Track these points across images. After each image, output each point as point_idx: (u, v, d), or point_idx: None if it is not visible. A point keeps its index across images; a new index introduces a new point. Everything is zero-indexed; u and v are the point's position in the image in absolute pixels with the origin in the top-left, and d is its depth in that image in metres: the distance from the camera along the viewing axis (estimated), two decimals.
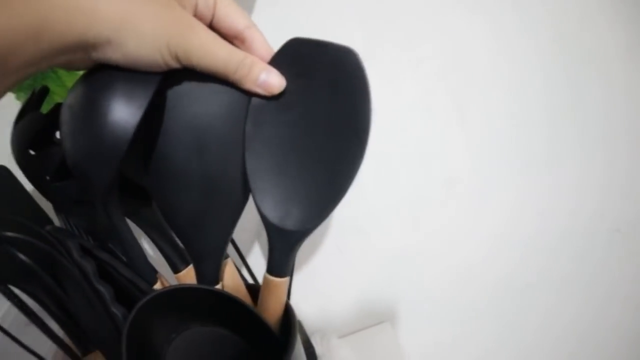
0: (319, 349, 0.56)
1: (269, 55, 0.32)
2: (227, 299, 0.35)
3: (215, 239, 0.36)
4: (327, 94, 0.33)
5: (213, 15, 0.31)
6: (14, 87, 0.25)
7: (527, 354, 0.75)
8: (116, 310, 0.33)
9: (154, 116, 0.33)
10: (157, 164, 0.33)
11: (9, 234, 0.28)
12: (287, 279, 0.38)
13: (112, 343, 0.34)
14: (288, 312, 0.39)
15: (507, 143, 0.61)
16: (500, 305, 0.71)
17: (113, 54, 0.27)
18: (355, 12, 0.53)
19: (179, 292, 0.34)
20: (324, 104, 0.33)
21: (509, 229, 0.66)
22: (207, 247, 0.37)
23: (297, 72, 0.33)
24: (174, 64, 0.28)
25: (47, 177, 0.35)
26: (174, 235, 0.42)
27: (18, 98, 0.46)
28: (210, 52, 0.29)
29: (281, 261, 0.37)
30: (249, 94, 0.32)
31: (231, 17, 0.31)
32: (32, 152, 0.35)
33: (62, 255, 0.32)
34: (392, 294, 0.66)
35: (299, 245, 0.37)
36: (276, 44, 0.33)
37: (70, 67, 0.28)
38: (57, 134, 0.35)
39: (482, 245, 0.66)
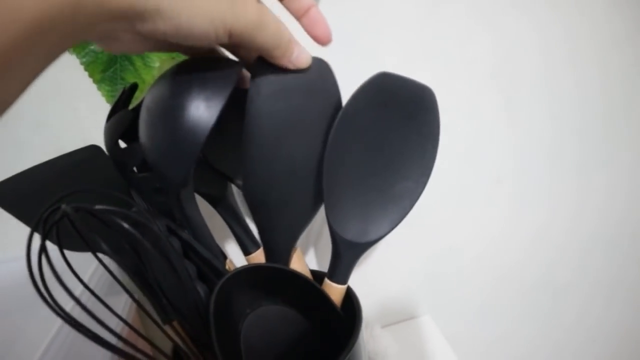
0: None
1: (326, 38, 0.33)
2: (298, 278, 0.37)
3: (291, 227, 0.39)
4: (402, 124, 0.37)
5: None
6: (54, 60, 0.21)
7: (563, 353, 0.77)
8: (198, 285, 0.36)
9: (241, 107, 0.35)
10: (250, 149, 0.35)
11: (106, 207, 0.30)
12: (347, 286, 0.40)
13: (190, 315, 0.36)
14: (351, 298, 0.41)
15: (555, 144, 0.62)
16: (538, 303, 0.73)
17: (163, 26, 0.24)
18: (411, 12, 0.54)
19: (256, 270, 0.37)
20: (398, 132, 0.37)
21: (552, 230, 0.67)
22: (282, 233, 0.39)
23: (379, 101, 0.36)
24: (225, 40, 0.27)
25: (133, 169, 0.37)
26: (246, 219, 0.44)
27: (108, 100, 0.49)
28: (261, 27, 0.28)
29: (345, 270, 0.40)
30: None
31: None
32: (121, 145, 0.38)
33: (149, 233, 0.35)
34: (435, 288, 0.68)
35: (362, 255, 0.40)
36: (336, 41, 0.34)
37: (109, 42, 0.26)
38: None
39: (524, 245, 0.67)
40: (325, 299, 0.38)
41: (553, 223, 0.67)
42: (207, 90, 0.30)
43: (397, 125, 0.37)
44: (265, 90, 0.33)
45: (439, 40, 0.55)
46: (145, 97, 0.33)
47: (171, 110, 0.31)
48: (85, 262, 0.34)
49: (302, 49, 0.32)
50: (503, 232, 0.66)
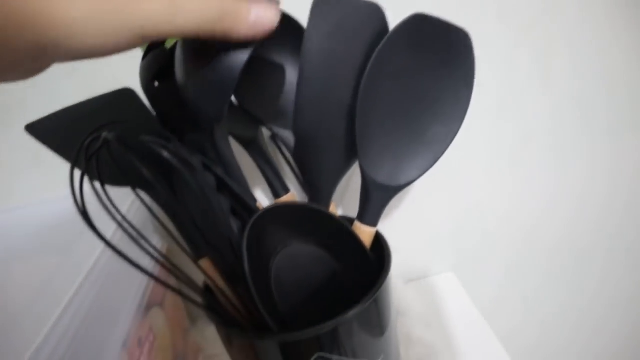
0: None
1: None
2: (330, 218, 0.38)
3: (336, 168, 0.40)
4: (437, 67, 0.37)
5: None
6: None
7: (588, 316, 0.77)
8: (231, 221, 0.36)
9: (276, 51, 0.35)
10: (303, 86, 0.36)
11: (148, 137, 0.31)
12: (376, 229, 0.40)
13: (223, 250, 0.37)
14: (381, 241, 0.41)
15: (589, 105, 0.61)
16: (562, 265, 0.72)
17: (71, 53, 0.21)
18: None
19: (290, 209, 0.37)
20: (433, 76, 0.37)
21: (580, 191, 0.66)
22: (326, 174, 0.40)
23: (414, 43, 0.36)
24: (143, 41, 0.23)
25: (168, 107, 0.38)
26: (275, 163, 0.45)
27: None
28: (176, 13, 0.22)
29: (376, 212, 0.40)
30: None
31: None
32: (156, 85, 0.38)
33: (185, 173, 0.35)
34: (460, 246, 0.68)
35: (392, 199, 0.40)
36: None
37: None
38: None
39: (552, 206, 0.67)
40: (355, 240, 0.39)
41: (583, 185, 0.66)
42: None
43: (431, 68, 0.37)
44: (323, 29, 0.34)
45: None
46: None
47: (207, 45, 0.31)
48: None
49: (262, 7, 0.25)
50: (531, 192, 0.65)
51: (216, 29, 0.24)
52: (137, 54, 0.40)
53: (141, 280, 0.48)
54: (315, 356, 0.35)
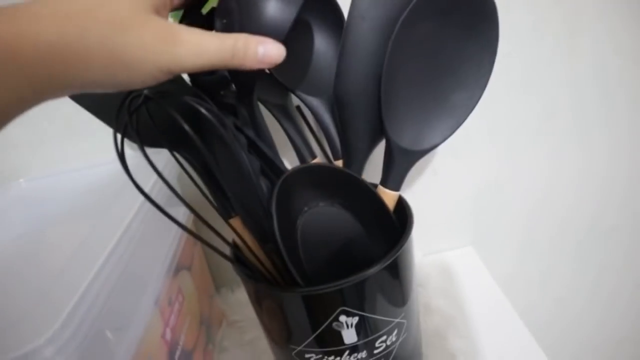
0: None
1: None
2: (356, 181, 0.39)
3: (373, 131, 0.42)
4: (461, 34, 0.38)
5: None
6: None
7: (603, 291, 0.77)
8: (261, 181, 0.38)
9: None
10: (348, 48, 0.39)
11: (188, 97, 0.33)
12: (399, 193, 0.42)
13: (251, 210, 0.39)
14: (404, 206, 0.43)
15: (614, 82, 0.61)
16: (583, 245, 0.73)
17: (103, 89, 0.27)
18: None
19: (318, 170, 0.39)
20: (457, 42, 0.38)
21: (603, 168, 0.67)
22: (363, 136, 0.42)
23: (439, 9, 0.37)
24: (170, 76, 0.27)
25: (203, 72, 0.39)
26: (305, 131, 0.47)
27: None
28: (200, 53, 0.27)
29: (399, 177, 0.42)
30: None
31: None
32: None
33: (221, 128, 0.37)
34: (479, 220, 0.69)
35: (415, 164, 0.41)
36: None
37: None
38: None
39: (572, 184, 0.67)
40: (380, 203, 0.40)
41: (604, 164, 0.67)
42: None
43: (455, 34, 0.38)
44: None
45: None
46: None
47: (254, 7, 0.33)
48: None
49: (268, 43, 0.30)
50: (553, 169, 0.66)
51: (229, 64, 0.29)
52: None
53: (171, 242, 0.50)
54: (339, 310, 0.36)
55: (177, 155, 0.39)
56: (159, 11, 0.28)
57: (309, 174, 0.38)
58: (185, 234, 0.53)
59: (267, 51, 0.30)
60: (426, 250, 0.68)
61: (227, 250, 0.38)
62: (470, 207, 0.67)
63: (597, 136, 0.64)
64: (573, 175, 0.67)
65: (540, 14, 0.56)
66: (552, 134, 0.63)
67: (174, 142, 0.38)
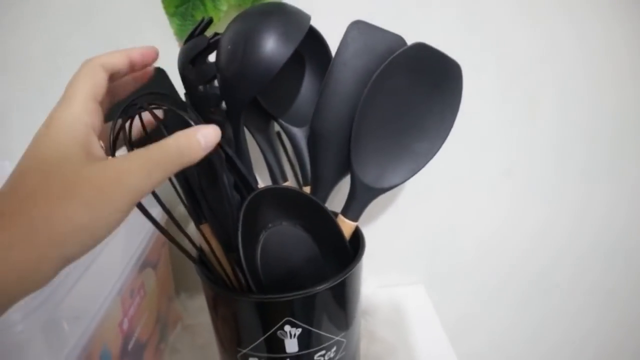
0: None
1: (154, 54, 0.36)
2: (318, 207, 0.43)
3: (341, 166, 0.46)
4: (429, 91, 0.43)
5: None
6: None
7: (544, 349, 0.82)
8: (233, 194, 0.42)
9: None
10: (328, 90, 0.44)
11: (174, 108, 0.37)
12: (356, 224, 0.47)
13: (220, 218, 0.42)
14: (358, 236, 0.47)
15: (567, 150, 0.67)
16: (532, 301, 0.78)
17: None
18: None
19: (285, 192, 0.43)
20: (425, 97, 0.44)
21: (553, 231, 0.72)
22: (332, 169, 0.47)
23: (412, 68, 0.42)
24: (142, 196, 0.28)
25: (199, 87, 0.44)
26: (281, 156, 0.51)
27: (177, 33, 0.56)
28: (150, 172, 0.27)
29: (358, 209, 0.46)
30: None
31: (116, 66, 0.33)
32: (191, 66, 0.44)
33: None
34: (432, 261, 0.73)
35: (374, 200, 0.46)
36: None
37: None
38: (211, 57, 0.43)
39: (524, 240, 0.72)
40: (337, 229, 0.44)
41: (555, 225, 0.72)
42: (286, 29, 0.38)
43: (424, 90, 0.43)
44: (352, 48, 0.42)
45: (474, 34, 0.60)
46: (230, 28, 0.40)
47: (253, 40, 0.38)
48: None
49: (203, 129, 0.31)
50: (506, 223, 0.71)
51: (182, 164, 0.30)
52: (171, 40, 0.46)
53: (142, 239, 0.53)
54: (284, 320, 0.40)
55: None
56: (89, 150, 0.28)
57: (277, 195, 0.42)
58: (156, 234, 0.57)
59: (207, 136, 0.31)
60: (379, 283, 0.72)
61: (193, 254, 0.42)
62: (426, 247, 0.72)
63: (548, 197, 0.69)
64: (525, 230, 0.72)
65: (503, 81, 0.62)
66: (506, 191, 0.69)
67: None
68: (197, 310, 0.68)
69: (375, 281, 0.72)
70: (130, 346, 0.49)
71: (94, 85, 0.31)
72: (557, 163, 0.68)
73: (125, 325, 0.48)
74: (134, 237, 0.52)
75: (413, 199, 0.68)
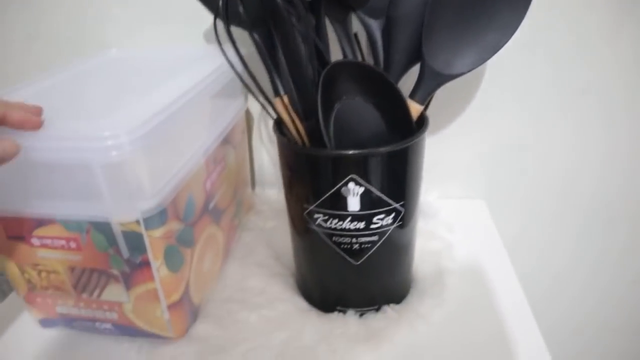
0: None
1: (33, 117, 0.37)
2: (391, 86, 0.46)
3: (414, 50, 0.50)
4: None
5: None
6: None
7: (605, 278, 0.82)
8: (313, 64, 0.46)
9: None
10: None
11: None
12: (423, 107, 0.49)
13: (300, 88, 0.47)
14: (423, 119, 0.50)
15: None
16: (592, 225, 0.78)
17: None
18: None
19: (361, 67, 0.47)
20: None
21: (624, 154, 0.71)
22: (404, 53, 0.50)
23: None
24: None
25: None
26: (356, 48, 0.55)
27: None
28: None
29: (425, 93, 0.49)
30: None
31: None
32: None
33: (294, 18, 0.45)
34: (495, 176, 0.75)
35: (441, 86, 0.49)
36: None
37: None
38: None
39: (595, 164, 0.72)
40: (405, 107, 0.47)
41: (624, 153, 0.71)
42: None
43: None
44: None
45: None
46: None
47: None
48: None
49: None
50: (575, 147, 0.71)
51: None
52: None
53: (226, 116, 0.59)
54: (349, 177, 0.44)
55: (255, 37, 0.48)
56: None
57: (354, 68, 0.46)
58: (238, 117, 0.63)
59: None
60: (440, 193, 0.75)
61: None
62: (490, 162, 0.73)
63: (622, 120, 0.69)
64: (594, 156, 0.71)
65: None
66: (581, 112, 0.68)
67: (254, 24, 0.47)
68: (269, 201, 0.75)
69: (437, 191, 0.75)
70: (210, 206, 0.55)
71: None
72: (635, 87, 0.66)
73: (208, 186, 0.54)
74: (221, 111, 0.58)
75: (481, 112, 0.69)
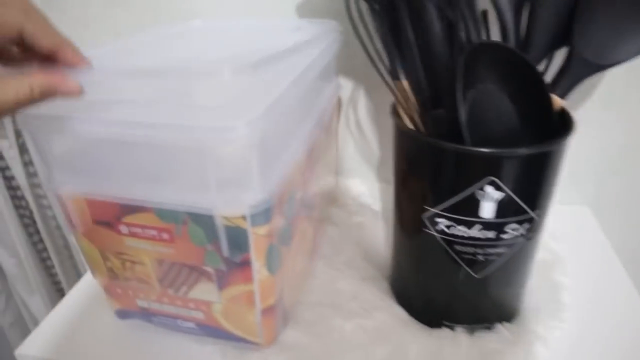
0: None
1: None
2: (535, 73, 0.40)
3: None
4: None
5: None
6: None
7: None
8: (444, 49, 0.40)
9: None
10: None
11: None
12: (564, 101, 0.42)
13: (431, 68, 0.41)
14: (566, 117, 0.43)
15: None
16: None
17: None
18: None
19: (505, 51, 0.40)
20: None
21: None
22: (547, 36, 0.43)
23: None
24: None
25: None
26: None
27: None
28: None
29: (568, 85, 0.42)
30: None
31: (36, 37, 0.31)
32: None
33: None
34: (603, 181, 0.67)
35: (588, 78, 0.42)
36: None
37: None
38: None
39: None
40: (548, 101, 0.40)
41: None
42: None
43: None
44: None
45: None
46: None
47: None
48: None
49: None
50: None
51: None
52: None
53: (322, 102, 0.53)
54: (488, 179, 0.38)
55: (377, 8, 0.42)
56: None
57: (497, 52, 0.39)
58: (332, 102, 0.57)
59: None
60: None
61: None
62: (599, 165, 0.66)
63: None
64: None
65: None
66: None
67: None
68: (351, 193, 0.69)
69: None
70: (305, 200, 0.50)
71: None
72: None
73: (306, 178, 0.48)
74: (318, 96, 0.52)
75: (599, 109, 0.62)
